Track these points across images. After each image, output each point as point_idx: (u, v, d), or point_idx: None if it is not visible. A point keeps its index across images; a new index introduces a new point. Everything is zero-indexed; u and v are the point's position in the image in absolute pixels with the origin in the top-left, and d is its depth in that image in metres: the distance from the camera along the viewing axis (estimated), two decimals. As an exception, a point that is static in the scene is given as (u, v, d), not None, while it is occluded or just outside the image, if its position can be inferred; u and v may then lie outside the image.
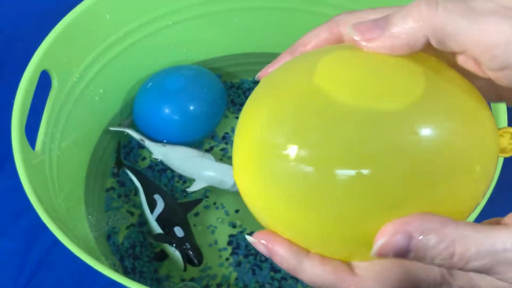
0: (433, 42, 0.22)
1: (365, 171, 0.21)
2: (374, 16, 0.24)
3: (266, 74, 0.27)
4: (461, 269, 0.22)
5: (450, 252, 0.22)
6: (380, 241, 0.21)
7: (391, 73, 0.22)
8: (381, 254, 0.22)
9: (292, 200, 0.23)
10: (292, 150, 0.22)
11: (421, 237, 0.21)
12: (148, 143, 0.60)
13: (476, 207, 0.24)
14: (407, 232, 0.21)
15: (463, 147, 0.22)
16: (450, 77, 0.23)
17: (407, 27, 0.22)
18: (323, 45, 0.26)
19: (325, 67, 0.23)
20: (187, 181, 0.60)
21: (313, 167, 0.21)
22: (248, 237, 0.26)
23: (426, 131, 0.21)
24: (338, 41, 0.26)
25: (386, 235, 0.21)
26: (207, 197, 0.59)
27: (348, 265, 0.25)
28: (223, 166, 0.57)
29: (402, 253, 0.22)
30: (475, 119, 0.23)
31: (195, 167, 0.58)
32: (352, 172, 0.21)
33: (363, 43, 0.23)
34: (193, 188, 0.57)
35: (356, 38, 0.23)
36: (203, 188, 0.58)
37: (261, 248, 0.25)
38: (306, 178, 0.22)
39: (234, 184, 0.56)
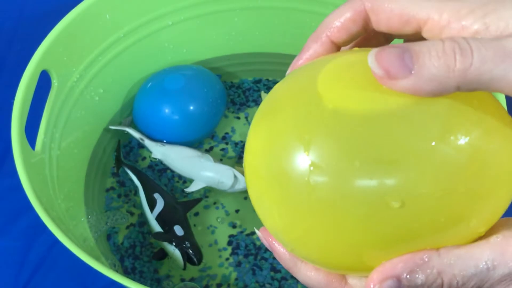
0: (463, 90, 0.20)
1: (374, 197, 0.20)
2: None
3: (295, 68, 0.26)
4: None
5: (438, 284, 0.22)
6: None
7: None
8: None
9: (285, 221, 0.23)
10: (287, 176, 0.22)
11: (408, 277, 0.21)
12: (147, 142, 0.60)
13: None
14: (394, 276, 0.22)
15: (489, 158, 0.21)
16: None
17: (437, 74, 0.20)
18: (347, 25, 0.25)
19: (326, 82, 0.22)
20: (187, 181, 0.60)
21: (303, 192, 0.21)
22: (256, 230, 0.26)
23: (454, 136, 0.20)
24: (364, 19, 0.24)
25: (376, 283, 0.22)
26: (207, 197, 0.59)
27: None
28: (221, 167, 0.57)
29: None
30: (498, 132, 0.21)
31: (194, 167, 0.58)
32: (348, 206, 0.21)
33: (385, 81, 0.20)
34: (191, 188, 0.57)
35: (378, 73, 0.20)
36: (202, 188, 0.58)
37: (265, 243, 0.26)
38: (302, 204, 0.22)
39: (232, 185, 0.56)
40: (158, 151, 0.59)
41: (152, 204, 0.56)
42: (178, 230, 0.54)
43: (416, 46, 0.20)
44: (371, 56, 0.20)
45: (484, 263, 0.22)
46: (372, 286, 0.22)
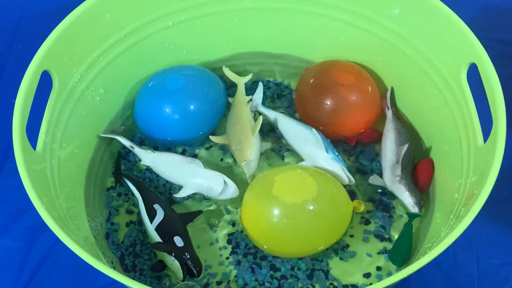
0: None
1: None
2: None
3: None
4: None
5: None
6: None
7: (302, 184, 0.54)
8: None
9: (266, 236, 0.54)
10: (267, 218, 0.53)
11: None
12: (137, 150, 0.60)
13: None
14: None
15: (333, 217, 0.54)
16: (330, 183, 0.55)
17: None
18: None
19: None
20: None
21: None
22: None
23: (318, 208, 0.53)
24: None
25: None
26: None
27: None
28: (211, 173, 0.56)
29: None
30: (340, 204, 0.55)
31: (183, 173, 0.57)
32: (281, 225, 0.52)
33: None
34: (180, 194, 0.57)
35: None
36: (201, 194, 0.58)
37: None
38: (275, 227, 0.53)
39: (222, 192, 0.56)
40: (148, 158, 0.59)
41: (152, 215, 0.55)
42: (178, 241, 0.53)
43: None
44: None
45: None
46: None
